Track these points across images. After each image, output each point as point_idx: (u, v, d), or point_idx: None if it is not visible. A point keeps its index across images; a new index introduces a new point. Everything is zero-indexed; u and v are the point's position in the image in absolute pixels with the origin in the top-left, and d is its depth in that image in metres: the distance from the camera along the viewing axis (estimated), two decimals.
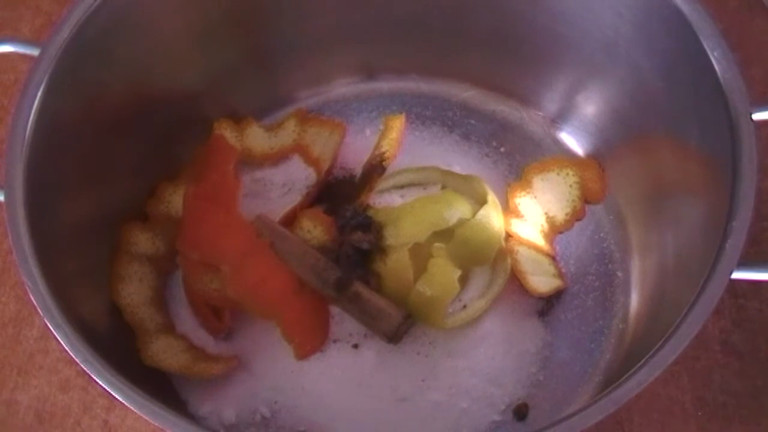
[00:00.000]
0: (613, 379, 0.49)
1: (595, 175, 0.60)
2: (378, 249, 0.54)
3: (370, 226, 0.54)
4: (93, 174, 0.52)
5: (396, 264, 0.53)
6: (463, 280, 0.55)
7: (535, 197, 0.59)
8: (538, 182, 0.59)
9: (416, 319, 0.54)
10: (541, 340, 0.55)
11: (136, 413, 0.40)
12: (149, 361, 0.52)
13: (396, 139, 0.58)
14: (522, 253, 0.56)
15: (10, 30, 0.70)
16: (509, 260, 0.56)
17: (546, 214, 0.59)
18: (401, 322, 0.53)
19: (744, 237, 0.43)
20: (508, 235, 0.57)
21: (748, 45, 0.65)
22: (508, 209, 0.58)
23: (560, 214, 0.59)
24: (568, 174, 0.59)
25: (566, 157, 0.61)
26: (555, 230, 0.59)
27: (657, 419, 0.55)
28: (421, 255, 0.53)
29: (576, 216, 0.59)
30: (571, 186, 0.59)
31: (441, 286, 0.52)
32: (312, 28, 0.61)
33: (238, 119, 0.62)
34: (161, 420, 0.40)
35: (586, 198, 0.59)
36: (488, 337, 0.55)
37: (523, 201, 0.59)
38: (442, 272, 0.53)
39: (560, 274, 0.57)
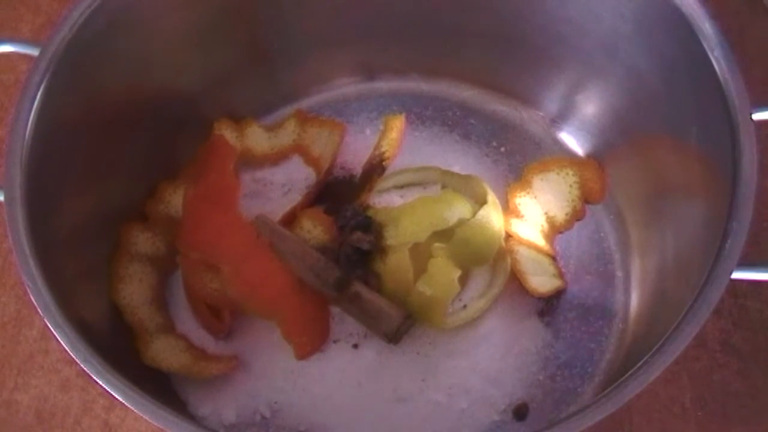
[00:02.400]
0: (613, 379, 0.49)
1: (595, 175, 0.60)
2: (378, 249, 0.54)
3: (370, 226, 0.54)
4: (93, 174, 0.52)
5: (396, 264, 0.53)
6: (463, 280, 0.55)
7: (535, 197, 0.59)
8: (538, 182, 0.59)
9: (416, 319, 0.54)
10: (541, 340, 0.55)
11: (136, 413, 0.40)
12: (149, 361, 0.52)
13: (396, 139, 0.58)
14: (522, 253, 0.56)
15: (10, 30, 0.70)
16: (509, 260, 0.56)
17: (546, 214, 0.59)
18: (401, 323, 0.53)
19: (744, 237, 0.43)
20: (508, 235, 0.57)
21: (748, 45, 0.65)
22: (508, 209, 0.58)
23: (560, 214, 0.59)
24: (567, 174, 0.59)
25: (566, 157, 0.61)
26: (555, 230, 0.59)
27: (657, 419, 0.55)
28: (421, 255, 0.53)
29: (576, 216, 0.59)
30: (571, 186, 0.59)
31: (441, 286, 0.52)
32: (312, 28, 0.61)
33: (238, 119, 0.62)
34: (161, 420, 0.40)
35: (586, 198, 0.59)
36: (488, 337, 0.55)
37: (523, 201, 0.59)
38: (442, 272, 0.53)
39: (560, 274, 0.57)
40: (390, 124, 0.59)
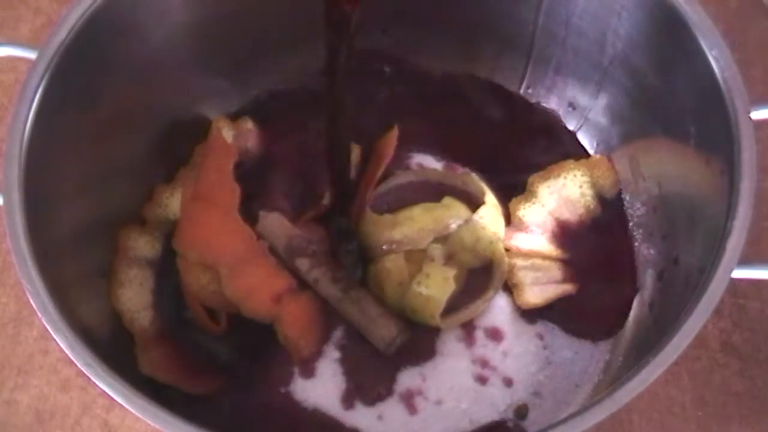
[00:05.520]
0: (613, 379, 0.49)
1: (606, 170, 0.59)
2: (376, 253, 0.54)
3: (352, 233, 0.55)
4: (91, 177, 0.52)
5: (392, 266, 0.53)
6: (462, 280, 0.54)
7: (543, 205, 0.58)
8: (545, 190, 0.58)
9: (414, 320, 0.54)
10: (542, 340, 0.55)
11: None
12: (145, 369, 0.52)
13: (388, 154, 0.58)
14: (520, 265, 0.56)
15: (10, 30, 0.70)
16: (507, 260, 0.56)
17: (557, 219, 0.58)
18: (399, 331, 0.53)
19: (744, 237, 0.43)
20: (507, 249, 0.56)
21: (748, 45, 0.65)
22: (511, 223, 0.57)
23: (573, 216, 0.58)
24: (576, 175, 0.58)
25: (572, 160, 0.60)
26: (567, 234, 0.58)
27: (657, 419, 0.55)
28: (416, 255, 0.54)
29: (590, 215, 0.58)
30: (581, 187, 0.58)
31: (437, 285, 0.52)
32: (313, 28, 0.60)
33: (234, 117, 0.62)
34: (163, 423, 0.40)
35: (600, 195, 0.59)
36: (488, 337, 0.55)
37: (529, 211, 0.58)
38: (438, 271, 0.53)
39: (568, 278, 0.56)
40: (383, 140, 0.58)
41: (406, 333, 0.54)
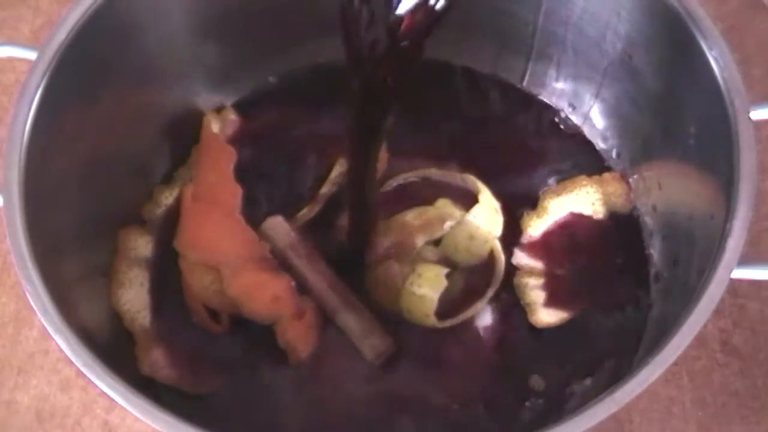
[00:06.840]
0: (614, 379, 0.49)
1: (618, 188, 0.58)
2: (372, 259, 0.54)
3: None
4: (91, 177, 0.52)
5: (388, 270, 0.54)
6: (460, 280, 0.54)
7: (554, 222, 0.57)
8: (556, 206, 0.57)
9: (410, 320, 0.54)
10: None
11: None
12: (146, 370, 0.52)
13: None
14: (532, 285, 0.56)
15: (10, 30, 0.70)
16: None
17: (569, 235, 0.57)
18: (389, 345, 0.54)
19: (744, 237, 0.43)
20: (516, 268, 0.56)
21: (748, 45, 0.65)
22: (521, 241, 0.57)
23: (584, 233, 0.57)
24: (588, 192, 0.58)
25: (584, 176, 0.59)
26: (579, 251, 0.57)
27: (657, 419, 0.55)
28: (411, 258, 0.54)
29: (602, 232, 0.57)
30: (593, 204, 0.58)
31: (429, 284, 0.52)
32: (310, 26, 0.61)
33: (219, 110, 0.62)
34: (162, 422, 0.40)
35: (612, 212, 0.58)
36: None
37: (540, 228, 0.57)
38: (429, 270, 0.53)
39: (581, 296, 0.55)
40: None
41: (395, 347, 0.54)
